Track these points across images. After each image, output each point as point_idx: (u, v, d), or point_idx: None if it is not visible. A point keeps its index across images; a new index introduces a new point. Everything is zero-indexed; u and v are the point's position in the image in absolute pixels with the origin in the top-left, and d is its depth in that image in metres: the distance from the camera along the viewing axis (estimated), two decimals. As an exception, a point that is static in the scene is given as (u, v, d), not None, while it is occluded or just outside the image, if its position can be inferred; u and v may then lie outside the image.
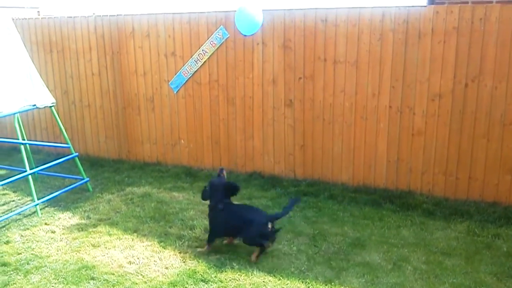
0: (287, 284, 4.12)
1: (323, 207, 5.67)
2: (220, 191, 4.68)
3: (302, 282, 4.15)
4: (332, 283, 4.12)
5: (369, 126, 6.01)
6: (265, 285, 4.10)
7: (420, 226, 5.17)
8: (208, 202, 4.79)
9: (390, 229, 5.11)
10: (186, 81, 6.89)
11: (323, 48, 6.02)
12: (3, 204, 6.06)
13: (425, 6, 5.79)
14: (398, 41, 5.66)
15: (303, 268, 4.38)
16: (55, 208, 5.88)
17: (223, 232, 4.77)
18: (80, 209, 5.83)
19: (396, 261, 4.47)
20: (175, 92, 7.03)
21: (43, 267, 4.47)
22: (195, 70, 6.78)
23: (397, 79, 5.75)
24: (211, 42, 6.57)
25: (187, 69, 6.83)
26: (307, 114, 6.28)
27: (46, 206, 5.90)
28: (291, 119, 6.39)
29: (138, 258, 4.62)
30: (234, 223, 4.59)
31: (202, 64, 6.72)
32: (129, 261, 4.57)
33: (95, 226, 5.36)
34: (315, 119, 6.25)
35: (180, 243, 4.91)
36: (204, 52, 6.65)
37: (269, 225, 4.52)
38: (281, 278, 4.20)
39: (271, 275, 4.26)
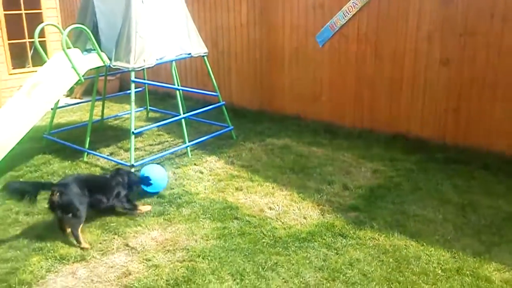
0: (430, 251, 3.91)
1: (475, 177, 5.22)
2: None
3: (448, 252, 3.90)
4: (482, 257, 3.81)
5: (540, 91, 5.29)
6: (406, 249, 3.94)
7: None
8: None
9: (554, 208, 4.54)
10: (333, 35, 6.71)
11: (491, 2, 5.37)
12: (158, 144, 6.65)
13: None
14: None
15: (449, 238, 4.11)
16: (203, 151, 6.28)
17: None
18: (225, 155, 6.14)
19: (559, 243, 3.97)
20: (320, 46, 6.91)
21: (192, 202, 4.84)
22: (343, 23, 6.55)
23: None
24: (363, -7, 6.26)
25: (335, 22, 6.63)
26: (465, 75, 5.72)
27: (195, 149, 6.32)
28: (445, 79, 5.89)
29: (277, 205, 4.75)
30: None
31: (351, 17, 6.46)
32: (269, 207, 4.73)
33: (238, 171, 5.62)
34: (474, 81, 5.67)
35: (319, 196, 4.93)
36: (354, 4, 6.37)
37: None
38: (424, 244, 4.00)
39: (414, 239, 4.07)
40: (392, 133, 6.48)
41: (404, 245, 4.01)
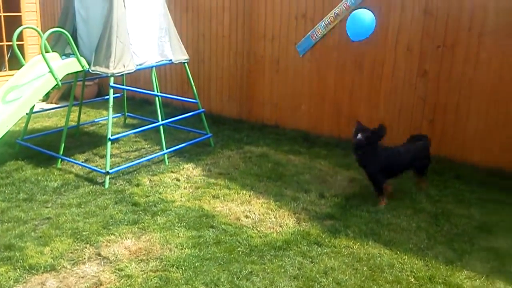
0: (404, 259, 3.94)
1: (448, 187, 5.30)
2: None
3: (421, 260, 3.94)
4: (454, 265, 3.86)
5: (513, 104, 5.41)
6: (380, 257, 3.97)
7: (563, 220, 4.60)
8: None
9: (524, 218, 4.62)
10: (314, 44, 6.76)
11: (469, 17, 5.48)
12: (135, 150, 6.57)
13: None
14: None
15: (422, 246, 4.15)
16: (180, 158, 6.24)
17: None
18: (202, 162, 6.11)
19: (529, 253, 4.05)
20: (301, 55, 6.96)
21: (168, 210, 4.78)
22: (324, 33, 6.61)
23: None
24: (345, 5, 6.30)
25: (316, 32, 6.68)
26: (442, 87, 5.83)
27: (172, 156, 6.27)
28: (422, 90, 5.99)
29: (254, 214, 4.74)
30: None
31: (332, 28, 6.53)
32: (246, 215, 4.71)
33: (215, 179, 5.59)
34: (450, 93, 5.78)
35: (295, 204, 4.93)
36: (336, 15, 6.43)
37: None
38: (398, 252, 4.04)
39: (388, 248, 4.11)
40: (369, 142, 6.53)
41: (378, 253, 4.04)
